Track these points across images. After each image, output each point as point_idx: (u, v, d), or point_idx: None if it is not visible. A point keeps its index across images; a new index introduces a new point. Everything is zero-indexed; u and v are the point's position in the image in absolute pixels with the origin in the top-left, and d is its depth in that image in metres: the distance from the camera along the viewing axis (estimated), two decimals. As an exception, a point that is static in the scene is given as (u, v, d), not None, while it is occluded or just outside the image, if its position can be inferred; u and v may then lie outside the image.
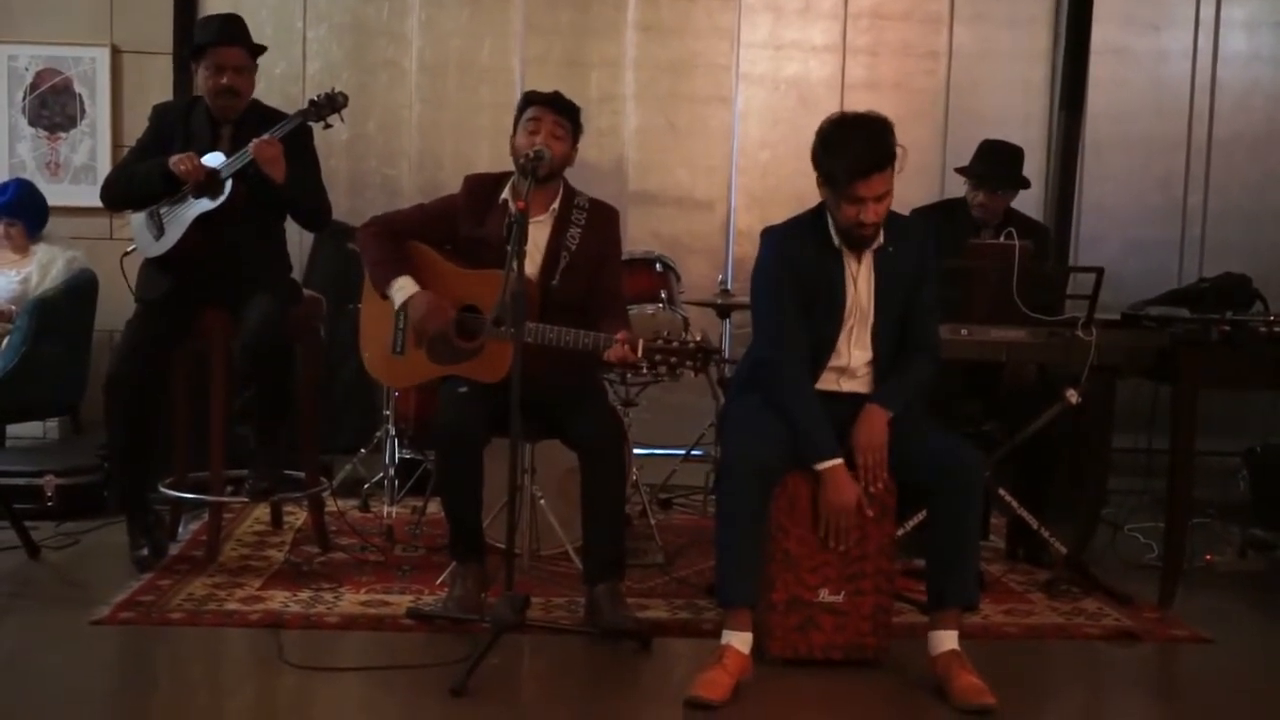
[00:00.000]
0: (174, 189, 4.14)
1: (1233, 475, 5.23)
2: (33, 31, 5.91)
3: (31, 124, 5.95)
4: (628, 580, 3.88)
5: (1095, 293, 4.11)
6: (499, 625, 3.35)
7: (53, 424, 5.74)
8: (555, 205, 3.92)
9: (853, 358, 3.56)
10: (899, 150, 3.40)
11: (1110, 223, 6.21)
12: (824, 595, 3.49)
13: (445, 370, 3.88)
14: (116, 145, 5.89)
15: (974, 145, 4.94)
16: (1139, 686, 3.69)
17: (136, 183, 4.21)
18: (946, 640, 3.37)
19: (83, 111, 5.94)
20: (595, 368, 3.91)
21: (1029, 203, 5.44)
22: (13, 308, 5.02)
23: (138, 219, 4.28)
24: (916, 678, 3.41)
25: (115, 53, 5.93)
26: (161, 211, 4.20)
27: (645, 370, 3.61)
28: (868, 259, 3.53)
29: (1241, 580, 4.58)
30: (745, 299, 3.95)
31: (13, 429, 5.50)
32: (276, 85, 5.67)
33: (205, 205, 4.11)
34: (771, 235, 3.60)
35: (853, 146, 3.38)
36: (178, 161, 4.06)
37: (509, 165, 3.93)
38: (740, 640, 3.34)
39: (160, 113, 4.39)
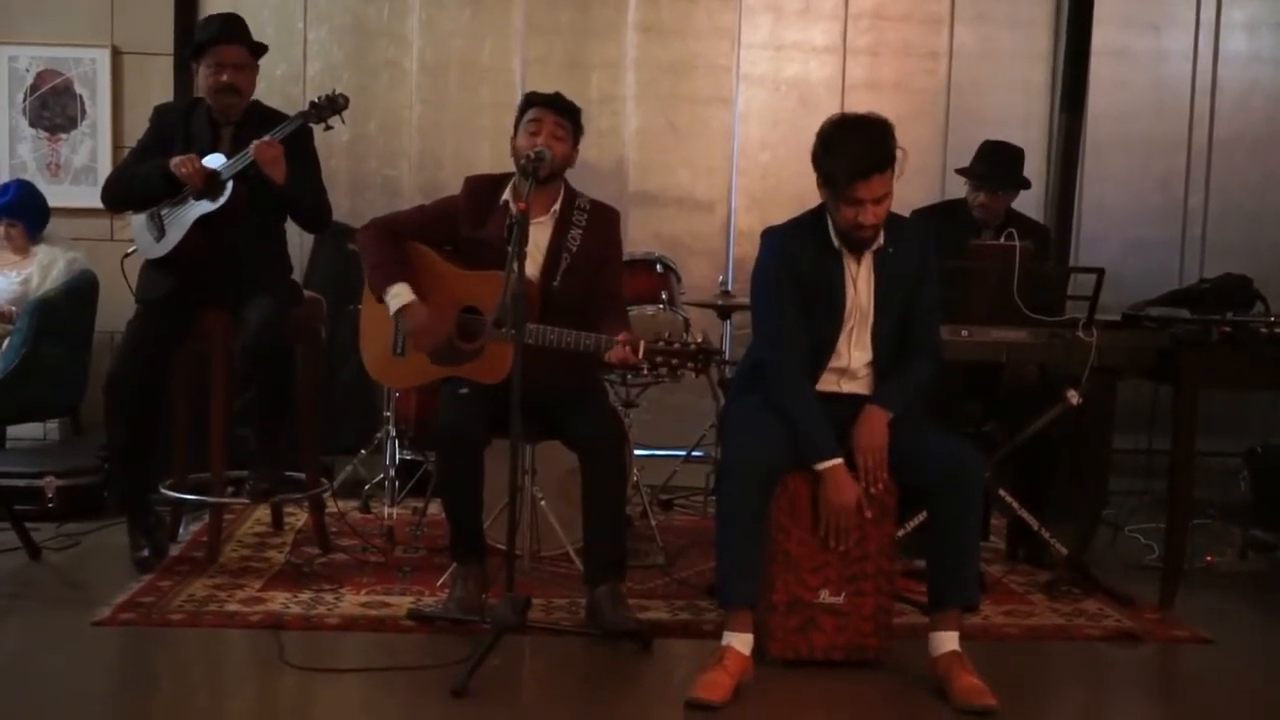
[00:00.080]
0: (175, 190, 4.14)
1: (1233, 476, 5.24)
2: (33, 32, 5.91)
3: (32, 125, 5.95)
4: (628, 581, 3.88)
5: (1096, 293, 4.11)
6: (500, 626, 3.35)
7: (53, 425, 5.74)
8: (556, 206, 3.92)
9: (853, 359, 3.56)
10: (899, 152, 3.40)
11: (1111, 223, 6.22)
12: (825, 596, 3.49)
13: (446, 371, 3.88)
14: (117, 146, 5.89)
15: (974, 146, 4.94)
16: (1140, 687, 3.69)
17: (137, 184, 4.21)
18: (947, 641, 3.37)
19: (83, 112, 5.95)
20: (596, 369, 3.91)
21: (1029, 203, 5.45)
22: (13, 309, 5.02)
23: (138, 220, 4.28)
24: (917, 679, 3.41)
25: (116, 54, 5.93)
26: (162, 213, 4.20)
27: (646, 371, 3.61)
28: (868, 260, 3.53)
29: (1242, 581, 4.58)
30: (746, 300, 3.95)
31: (13, 430, 5.50)
32: (277, 86, 5.67)
33: (206, 207, 4.11)
34: (771, 236, 3.60)
35: (852, 148, 3.38)
36: (178, 164, 4.06)
37: (510, 166, 3.93)
38: (741, 641, 3.34)
39: (161, 114, 4.40)
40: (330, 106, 4.20)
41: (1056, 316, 4.12)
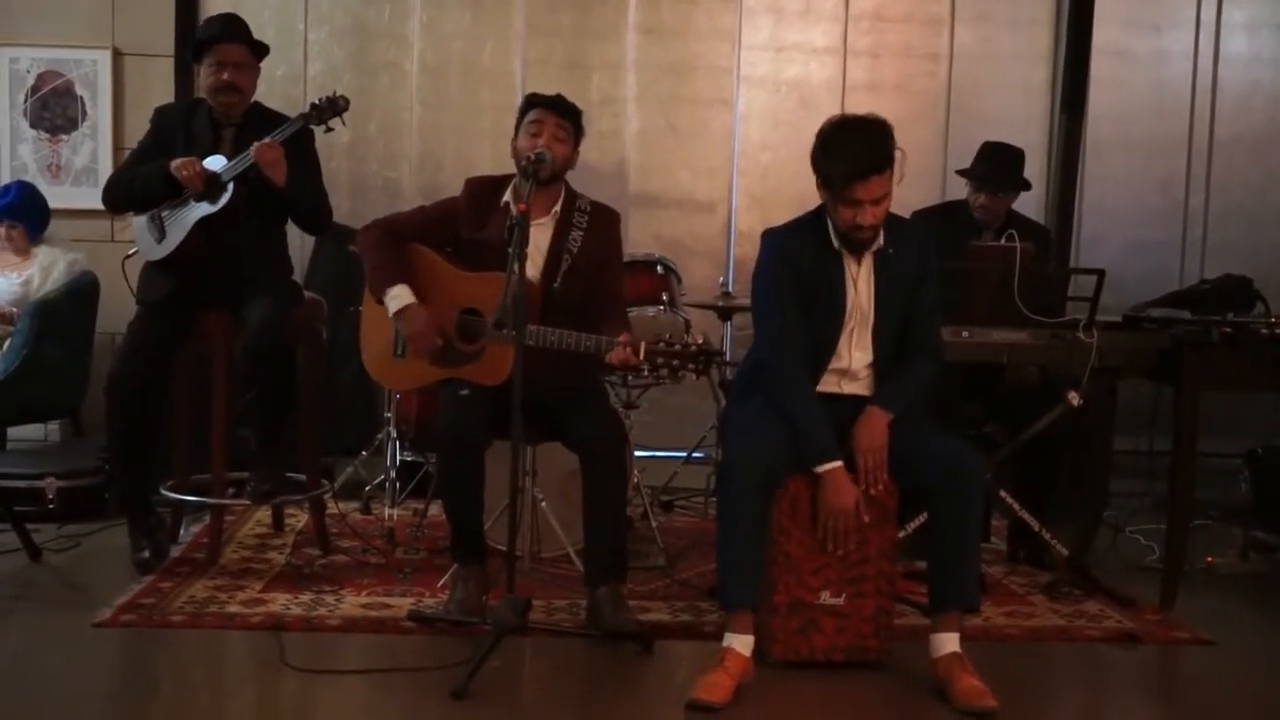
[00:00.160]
0: (175, 192, 4.14)
1: (1234, 477, 5.24)
2: (34, 34, 5.92)
3: (33, 126, 5.96)
4: (629, 583, 3.88)
5: (1096, 294, 4.11)
6: (500, 628, 3.35)
7: (54, 426, 5.74)
8: (557, 208, 3.92)
9: (853, 360, 3.56)
10: (898, 154, 3.40)
11: (1111, 224, 6.22)
12: (825, 598, 3.49)
13: (446, 373, 3.88)
14: (118, 147, 5.90)
15: (975, 147, 4.94)
16: (1140, 688, 3.68)
17: (138, 185, 4.21)
18: (948, 642, 3.37)
19: (84, 114, 5.95)
20: (596, 370, 3.91)
21: (1030, 204, 5.45)
22: (14, 310, 5.02)
23: (139, 222, 4.28)
24: (918, 680, 3.41)
25: (116, 55, 5.94)
26: (163, 214, 4.20)
27: (647, 373, 3.61)
28: (868, 261, 3.53)
29: (1243, 582, 4.57)
30: (746, 301, 3.95)
31: (14, 431, 5.50)
32: (278, 87, 5.68)
33: (206, 208, 4.11)
34: (772, 237, 3.60)
35: (851, 149, 3.38)
36: (179, 166, 4.06)
37: (510, 167, 3.93)
38: (741, 643, 3.34)
39: (162, 115, 4.40)
40: (331, 108, 4.20)
41: (1057, 318, 4.12)
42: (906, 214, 4.00)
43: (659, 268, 5.07)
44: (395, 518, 4.78)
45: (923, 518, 3.98)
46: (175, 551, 4.44)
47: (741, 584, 3.37)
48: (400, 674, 3.37)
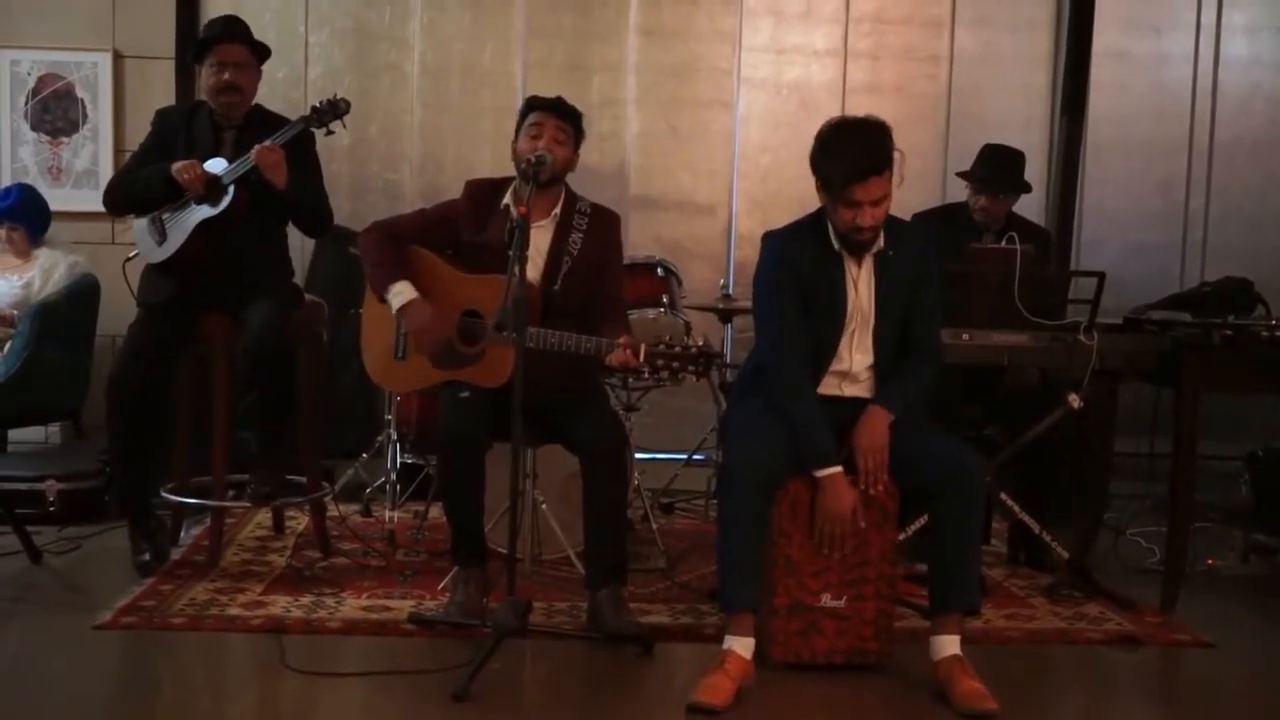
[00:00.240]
0: (176, 194, 4.14)
1: (1235, 479, 5.24)
2: (35, 36, 5.92)
3: (33, 129, 5.96)
4: (630, 585, 3.87)
5: (1097, 297, 4.11)
6: (501, 630, 3.35)
7: (55, 429, 5.75)
8: (557, 210, 3.92)
9: (854, 362, 3.56)
10: (897, 155, 3.40)
11: (1111, 226, 6.22)
12: (826, 600, 3.49)
13: (447, 375, 3.88)
14: (118, 150, 5.90)
15: (975, 149, 4.95)
16: (1141, 691, 3.68)
17: (139, 188, 4.22)
18: (948, 645, 3.37)
19: (85, 116, 5.95)
20: (596, 372, 3.91)
21: (1030, 207, 5.45)
22: (15, 312, 5.03)
23: (140, 224, 4.29)
24: (918, 683, 3.41)
25: (117, 57, 5.94)
26: (164, 217, 4.20)
27: (647, 375, 3.61)
28: (868, 263, 3.54)
29: (1243, 585, 4.58)
30: (747, 303, 3.96)
31: (15, 434, 5.51)
32: (279, 89, 5.68)
33: (207, 211, 4.12)
34: (772, 239, 3.60)
35: (849, 150, 3.38)
36: (180, 169, 4.07)
37: (510, 170, 3.93)
38: (742, 645, 3.34)
39: (163, 117, 4.40)
40: (332, 111, 4.20)
41: (1057, 320, 4.11)
42: (907, 216, 4.01)
43: (659, 270, 5.07)
44: (396, 520, 4.78)
45: (923, 520, 3.97)
46: (176, 554, 4.45)
47: (742, 586, 3.37)
48: (401, 676, 3.37)
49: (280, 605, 3.90)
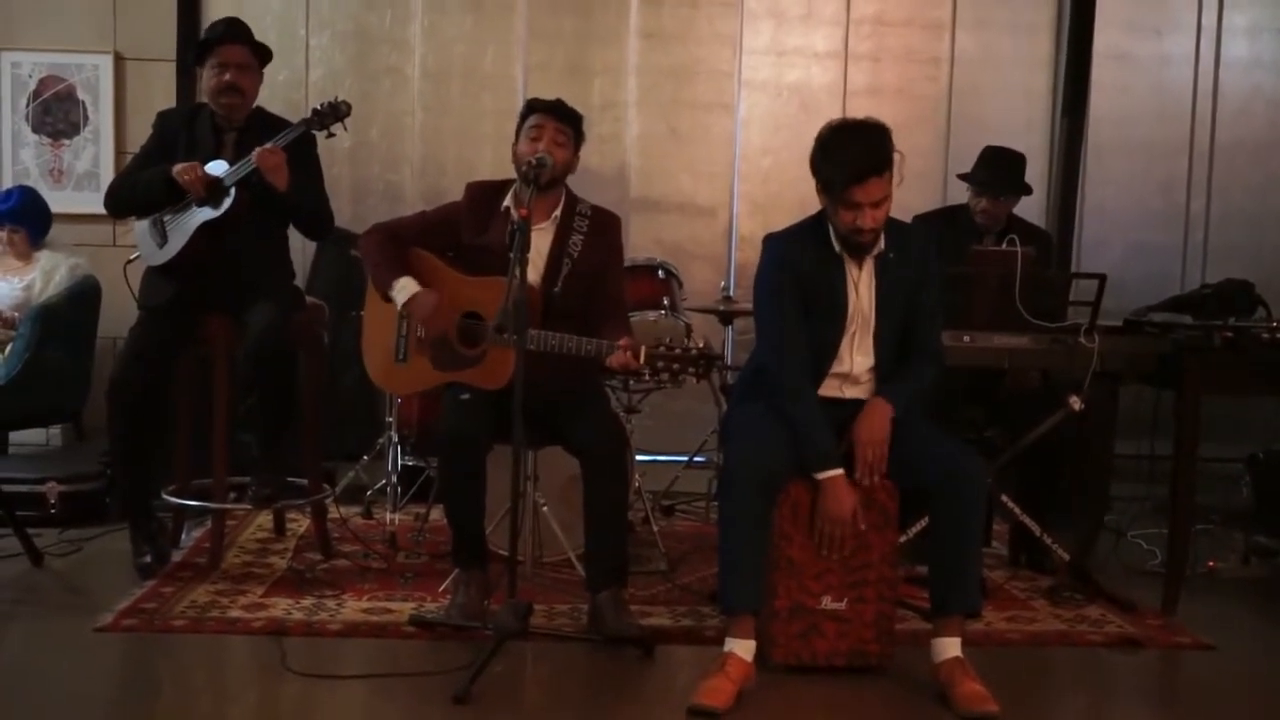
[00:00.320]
0: (177, 196, 4.14)
1: (1235, 481, 5.24)
2: (36, 38, 5.92)
3: (35, 131, 5.97)
4: (630, 587, 3.87)
5: (1098, 299, 4.11)
6: (502, 632, 3.35)
7: (56, 431, 5.74)
8: (557, 213, 3.92)
9: (855, 364, 3.57)
10: (897, 156, 3.41)
11: (1112, 228, 6.22)
12: (827, 602, 3.49)
13: (448, 377, 3.88)
14: (119, 152, 5.90)
15: (976, 151, 4.95)
16: (1142, 693, 3.68)
17: (140, 190, 4.22)
18: (949, 647, 3.37)
19: (86, 118, 5.96)
20: (597, 374, 3.91)
21: (1031, 208, 5.45)
22: (16, 314, 5.03)
23: (141, 226, 4.29)
24: (919, 685, 3.41)
25: (118, 59, 5.94)
26: (165, 219, 4.21)
27: (648, 377, 3.62)
28: (869, 265, 3.54)
29: (1244, 587, 4.57)
30: (747, 305, 3.96)
31: (16, 436, 5.51)
32: (280, 92, 5.68)
33: (208, 213, 4.12)
34: (773, 242, 3.60)
35: (849, 152, 3.39)
36: (181, 171, 4.07)
37: (511, 172, 3.93)
38: (743, 647, 3.34)
39: (164, 119, 4.41)
40: (333, 114, 4.20)
41: (1058, 322, 4.11)
42: (907, 218, 4.02)
43: (660, 272, 5.07)
44: (396, 522, 4.77)
45: (924, 522, 3.97)
46: (177, 556, 4.45)
47: (743, 589, 3.37)
48: (401, 679, 3.37)
49: (281, 607, 3.91)
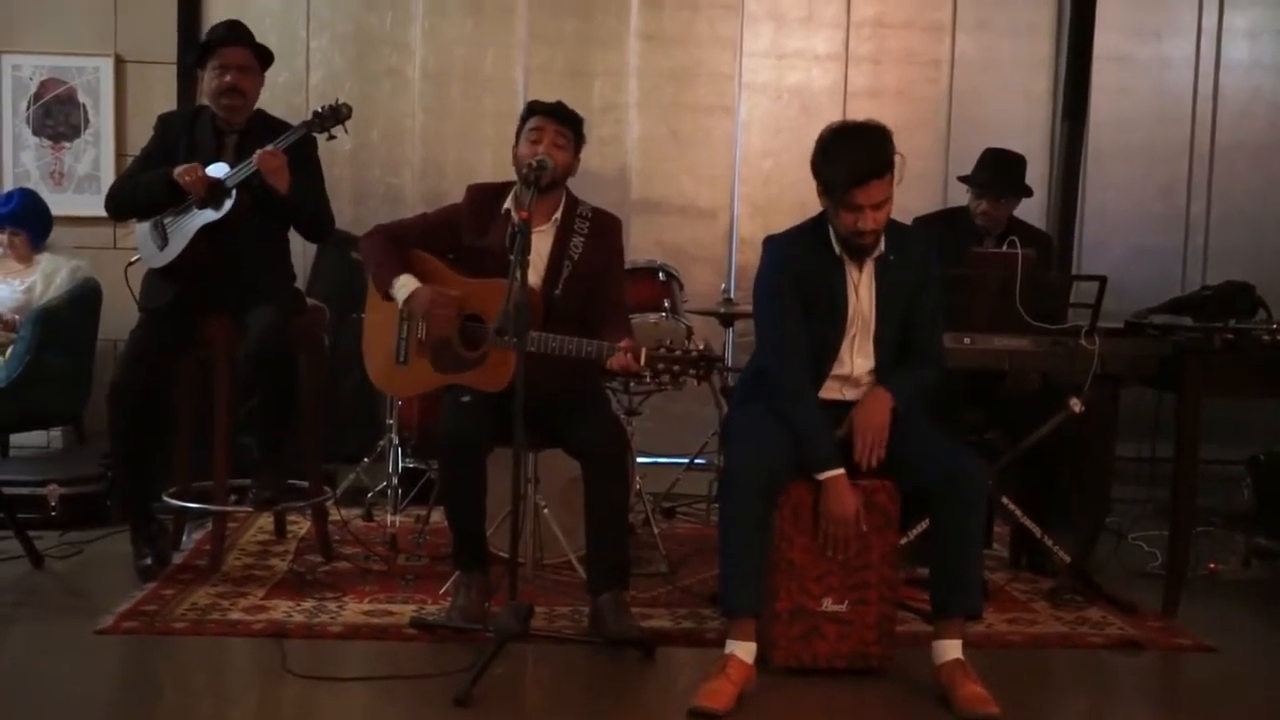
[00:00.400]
0: (178, 199, 4.15)
1: (1236, 483, 5.23)
2: (37, 41, 5.93)
3: (35, 133, 5.97)
4: (631, 589, 3.87)
5: (1098, 301, 4.11)
6: (503, 635, 3.35)
7: (56, 433, 5.75)
8: (558, 215, 3.92)
9: (855, 366, 3.57)
10: (898, 158, 3.41)
11: (1113, 230, 6.22)
12: (828, 604, 3.49)
13: (448, 379, 3.88)
14: (120, 155, 5.91)
15: (976, 153, 4.95)
16: (1143, 696, 3.68)
17: (141, 193, 4.22)
18: (950, 649, 3.37)
19: (86, 121, 5.96)
20: (598, 376, 3.92)
21: (1032, 211, 5.45)
22: (16, 317, 5.04)
23: (142, 229, 4.29)
24: (920, 687, 3.41)
25: (119, 62, 5.94)
26: (165, 222, 4.21)
27: (648, 379, 3.62)
28: (869, 267, 3.54)
29: (1245, 589, 4.57)
30: (748, 308, 3.96)
31: (17, 438, 5.51)
32: (280, 95, 5.68)
33: (209, 216, 4.12)
34: (773, 244, 3.60)
35: (850, 154, 3.39)
36: (182, 173, 4.07)
37: (512, 174, 3.93)
38: (744, 650, 3.34)
39: (165, 122, 4.41)
40: (333, 116, 4.21)
41: (1059, 324, 4.12)
42: (908, 220, 4.02)
43: (661, 274, 5.08)
44: (397, 524, 4.78)
45: (925, 525, 3.97)
46: (177, 558, 4.45)
47: (744, 591, 3.37)
48: (402, 681, 3.37)
49: (282, 610, 3.91)
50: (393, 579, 4.28)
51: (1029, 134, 6.06)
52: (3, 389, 4.86)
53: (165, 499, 4.42)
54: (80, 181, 5.96)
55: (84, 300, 5.11)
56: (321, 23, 6.04)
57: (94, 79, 5.94)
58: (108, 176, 5.81)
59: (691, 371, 3.58)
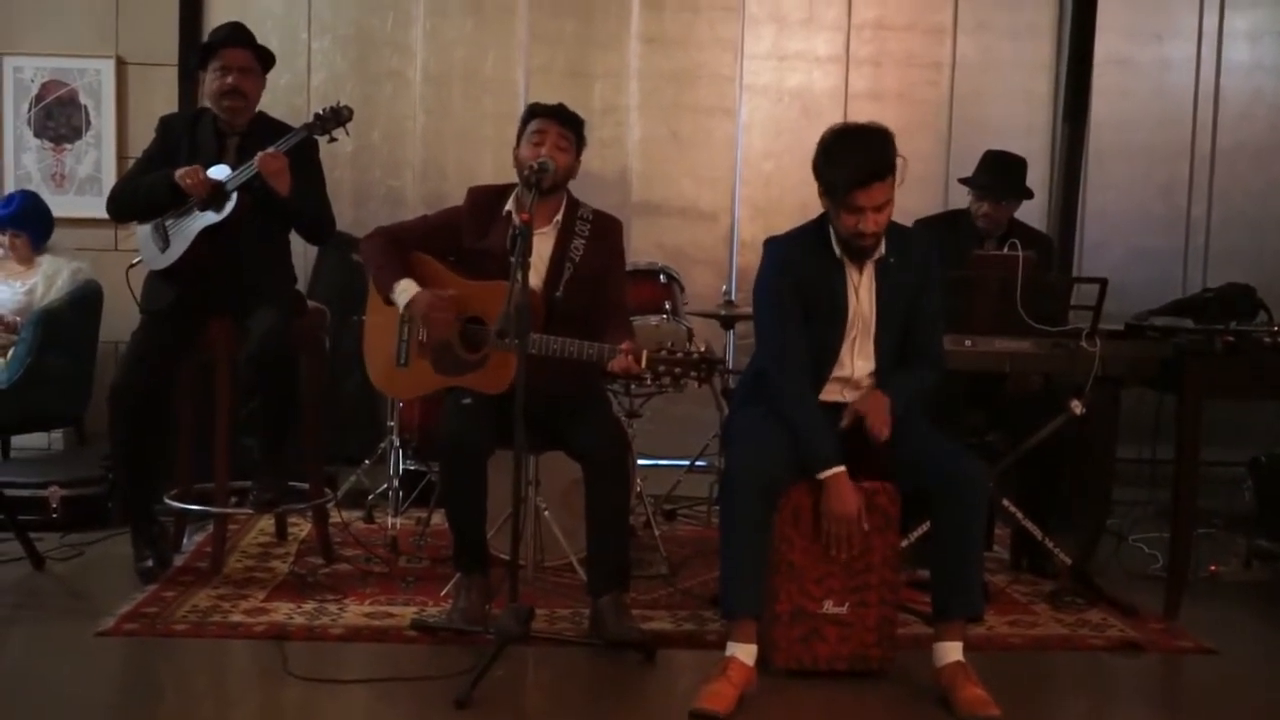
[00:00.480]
0: (180, 201, 4.15)
1: (1237, 485, 5.23)
2: (38, 43, 5.93)
3: (37, 135, 5.97)
4: (632, 591, 3.87)
5: (1099, 303, 4.12)
6: (503, 637, 3.35)
7: (58, 435, 5.76)
8: (558, 217, 3.92)
9: (855, 368, 3.57)
10: (899, 161, 3.42)
11: (1113, 232, 6.22)
12: (828, 607, 3.49)
13: (449, 381, 3.88)
14: (121, 157, 5.91)
15: (977, 156, 4.95)
16: (1143, 698, 3.69)
17: (142, 195, 4.23)
18: (951, 652, 3.37)
19: (88, 123, 5.96)
20: (599, 378, 3.92)
21: (1032, 213, 5.45)
22: (18, 319, 5.04)
23: (143, 231, 4.29)
24: (921, 689, 3.41)
25: (120, 64, 5.95)
26: (167, 224, 4.21)
27: (649, 381, 3.62)
28: (869, 269, 3.54)
29: (1246, 591, 4.57)
30: (749, 309, 3.96)
31: (18, 440, 5.51)
32: (281, 97, 5.68)
33: (210, 218, 4.12)
34: (774, 245, 3.61)
35: (853, 156, 3.40)
36: (183, 175, 4.08)
37: (513, 176, 3.93)
38: (745, 652, 3.34)
39: (167, 124, 4.41)
40: (334, 118, 4.21)
41: (1060, 326, 4.12)
42: (909, 222, 4.02)
43: (661, 276, 5.08)
44: (398, 527, 4.78)
45: (925, 527, 3.98)
46: (178, 560, 4.45)
47: (744, 593, 3.37)
48: (403, 683, 3.37)
49: (283, 612, 3.91)
50: (393, 581, 4.28)
51: (1030, 136, 6.06)
52: (4, 390, 4.87)
53: (166, 501, 4.42)
54: (81, 183, 5.96)
55: (85, 302, 5.12)
56: (323, 25, 6.04)
57: (95, 81, 5.94)
58: (109, 178, 5.81)
59: (692, 374, 3.58)
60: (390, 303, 3.88)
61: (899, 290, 3.55)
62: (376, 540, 4.74)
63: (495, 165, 5.65)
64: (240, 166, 4.13)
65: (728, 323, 5.26)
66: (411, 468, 5.10)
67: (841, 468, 3.42)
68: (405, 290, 3.84)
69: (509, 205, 3.93)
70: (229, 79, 4.22)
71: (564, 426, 3.79)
